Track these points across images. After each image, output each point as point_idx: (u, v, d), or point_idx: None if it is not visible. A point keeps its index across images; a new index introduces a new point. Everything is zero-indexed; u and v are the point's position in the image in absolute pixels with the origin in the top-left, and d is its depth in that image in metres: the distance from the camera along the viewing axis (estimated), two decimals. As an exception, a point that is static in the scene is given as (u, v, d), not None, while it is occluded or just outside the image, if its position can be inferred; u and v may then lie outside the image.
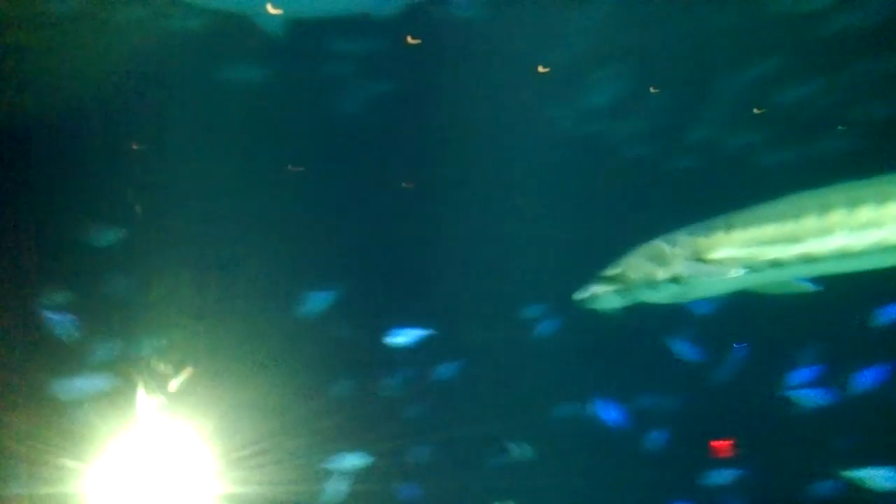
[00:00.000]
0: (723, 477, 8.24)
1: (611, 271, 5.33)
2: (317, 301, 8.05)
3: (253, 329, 8.92)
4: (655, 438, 8.58)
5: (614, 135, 9.67)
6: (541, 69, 8.71)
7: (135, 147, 9.20)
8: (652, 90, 9.17)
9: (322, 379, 8.85)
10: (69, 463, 7.47)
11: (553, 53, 8.53)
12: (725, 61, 8.77)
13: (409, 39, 8.14)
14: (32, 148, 8.89)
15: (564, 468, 8.90)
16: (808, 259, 5.03)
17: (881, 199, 4.91)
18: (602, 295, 5.34)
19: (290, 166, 9.58)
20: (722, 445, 9.53)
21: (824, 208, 5.00)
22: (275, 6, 7.22)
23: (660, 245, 5.27)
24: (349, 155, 9.39)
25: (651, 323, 7.16)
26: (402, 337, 7.87)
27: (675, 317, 7.40)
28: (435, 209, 9.80)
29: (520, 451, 8.82)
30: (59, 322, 7.16)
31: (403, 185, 9.97)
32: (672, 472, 8.43)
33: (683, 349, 8.17)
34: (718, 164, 10.02)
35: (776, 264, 5.07)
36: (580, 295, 5.40)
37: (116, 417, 7.75)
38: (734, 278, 5.13)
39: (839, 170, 5.16)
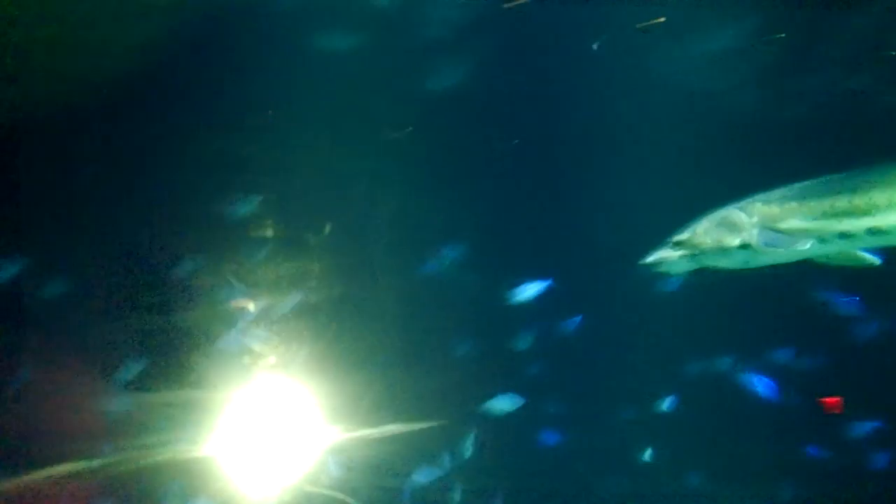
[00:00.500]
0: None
1: (681, 236, 5.47)
2: (441, 259, 8.31)
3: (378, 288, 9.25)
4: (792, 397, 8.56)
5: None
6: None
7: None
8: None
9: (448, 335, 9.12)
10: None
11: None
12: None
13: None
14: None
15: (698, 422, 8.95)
16: (876, 232, 5.08)
17: None
18: (670, 259, 5.50)
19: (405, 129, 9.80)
20: (832, 402, 9.37)
21: (866, 187, 5.06)
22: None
23: (733, 212, 5.38)
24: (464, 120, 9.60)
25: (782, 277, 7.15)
26: (526, 291, 7.99)
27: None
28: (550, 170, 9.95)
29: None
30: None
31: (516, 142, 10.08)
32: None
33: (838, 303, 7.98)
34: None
35: (845, 236, 5.13)
36: (649, 258, 5.56)
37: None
38: (803, 249, 5.20)
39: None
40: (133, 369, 7.96)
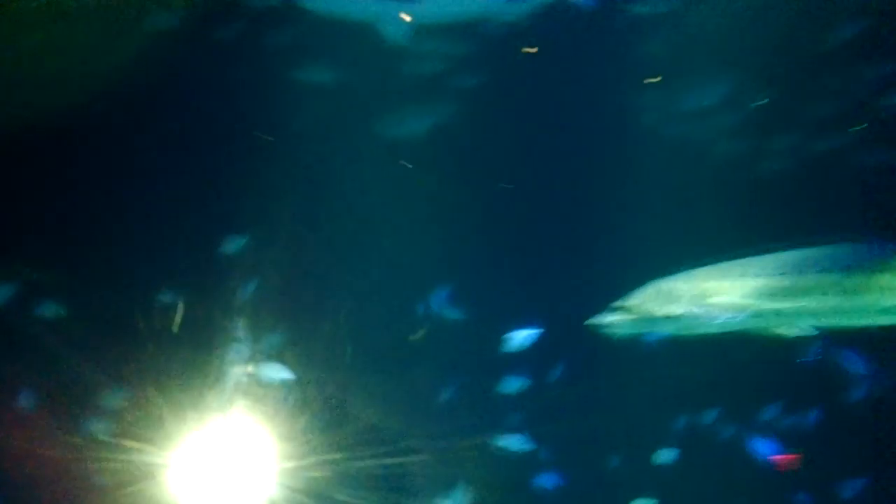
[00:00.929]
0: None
1: (625, 302, 5.68)
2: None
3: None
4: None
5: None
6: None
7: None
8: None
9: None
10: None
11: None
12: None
13: (526, 49, 8.34)
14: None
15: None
16: (807, 313, 5.32)
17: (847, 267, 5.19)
18: (614, 322, 5.69)
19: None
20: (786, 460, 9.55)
21: (806, 268, 5.29)
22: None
23: (671, 284, 5.61)
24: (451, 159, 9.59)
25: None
26: (518, 338, 7.96)
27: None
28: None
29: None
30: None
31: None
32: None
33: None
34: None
35: (779, 314, 5.34)
36: (595, 321, 5.78)
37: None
38: (732, 322, 5.44)
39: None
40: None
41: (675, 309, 5.88)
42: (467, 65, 8.45)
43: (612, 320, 6.11)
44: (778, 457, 8.35)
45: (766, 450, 8.00)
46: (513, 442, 7.83)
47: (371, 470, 8.42)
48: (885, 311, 5.51)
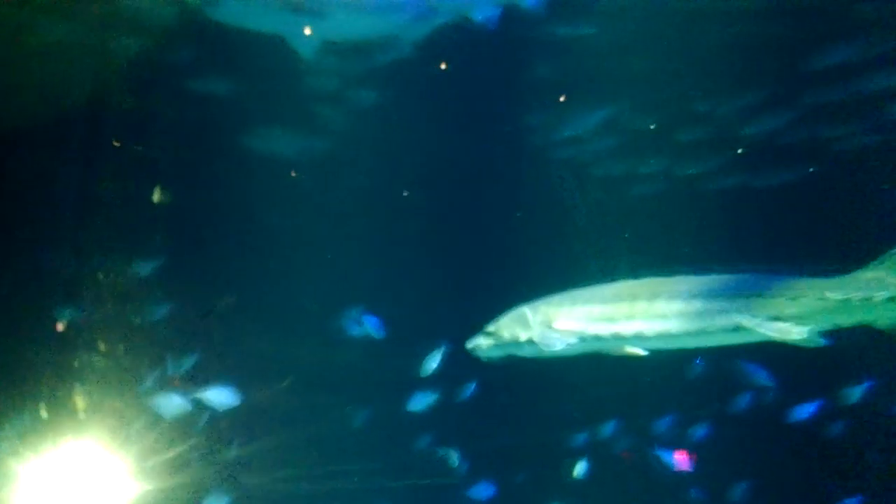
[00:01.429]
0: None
1: (489, 327, 6.20)
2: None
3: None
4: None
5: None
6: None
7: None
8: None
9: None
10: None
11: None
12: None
13: (442, 66, 8.57)
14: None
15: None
16: (640, 337, 5.95)
17: (670, 296, 5.93)
18: (482, 346, 6.16)
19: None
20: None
21: (634, 298, 5.95)
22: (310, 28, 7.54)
23: (524, 311, 6.19)
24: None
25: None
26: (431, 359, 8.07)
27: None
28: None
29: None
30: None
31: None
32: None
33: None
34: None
35: (617, 337, 5.95)
36: (469, 343, 6.26)
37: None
38: (573, 345, 5.99)
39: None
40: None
41: (526, 334, 6.29)
42: (365, 82, 8.59)
43: (478, 343, 6.42)
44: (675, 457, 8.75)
45: (665, 457, 8.44)
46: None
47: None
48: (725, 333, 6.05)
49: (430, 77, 8.67)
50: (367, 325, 8.38)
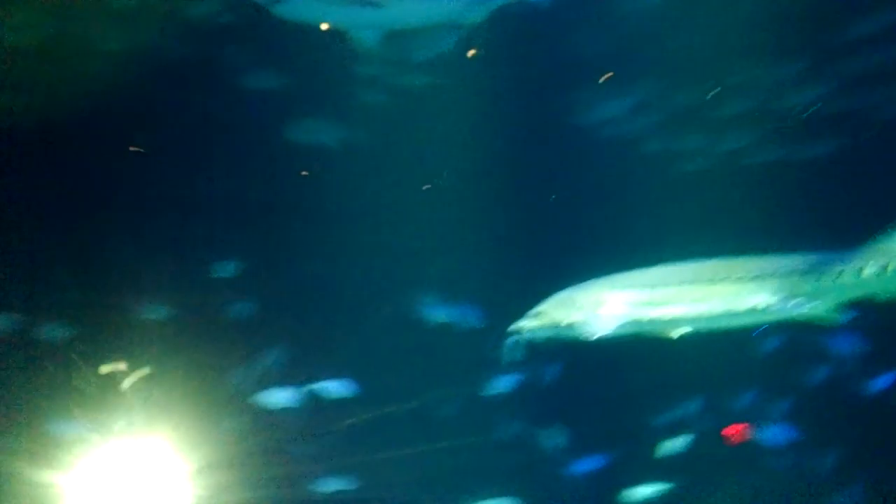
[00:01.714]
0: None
1: (537, 310, 6.49)
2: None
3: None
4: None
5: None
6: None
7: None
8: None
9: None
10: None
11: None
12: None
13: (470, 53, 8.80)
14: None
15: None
16: (678, 321, 6.24)
17: (710, 279, 6.45)
18: (531, 328, 6.44)
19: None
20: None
21: (677, 281, 6.43)
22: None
23: (575, 293, 6.48)
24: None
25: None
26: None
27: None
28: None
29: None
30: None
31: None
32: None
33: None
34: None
35: (643, 322, 6.38)
36: (516, 326, 6.56)
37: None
38: (618, 327, 6.38)
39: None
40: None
41: (573, 317, 6.53)
42: (423, 68, 8.79)
43: (526, 326, 6.70)
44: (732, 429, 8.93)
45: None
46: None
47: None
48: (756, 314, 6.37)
49: (488, 60, 8.89)
50: (451, 310, 8.53)
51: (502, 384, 8.51)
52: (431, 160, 10.11)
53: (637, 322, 6.60)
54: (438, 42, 8.30)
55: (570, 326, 6.67)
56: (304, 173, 9.79)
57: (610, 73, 9.30)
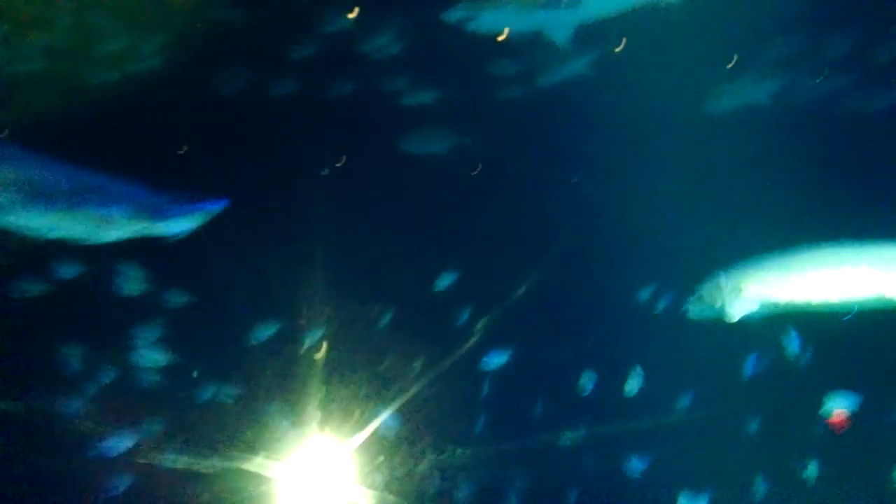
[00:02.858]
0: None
1: (701, 289, 7.11)
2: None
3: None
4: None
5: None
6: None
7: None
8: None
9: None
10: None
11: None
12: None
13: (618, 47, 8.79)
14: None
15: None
16: (804, 305, 6.80)
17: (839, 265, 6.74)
18: (694, 307, 7.07)
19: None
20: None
21: (815, 264, 6.83)
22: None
23: (721, 278, 7.02)
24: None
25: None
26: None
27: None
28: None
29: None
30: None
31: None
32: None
33: None
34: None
35: (783, 305, 6.81)
36: (686, 305, 7.16)
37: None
38: (762, 310, 6.86)
39: None
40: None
41: (724, 299, 7.12)
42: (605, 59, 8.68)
43: (692, 305, 7.33)
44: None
45: None
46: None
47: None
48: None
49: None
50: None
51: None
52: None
53: (777, 305, 7.06)
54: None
55: (719, 308, 7.18)
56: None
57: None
